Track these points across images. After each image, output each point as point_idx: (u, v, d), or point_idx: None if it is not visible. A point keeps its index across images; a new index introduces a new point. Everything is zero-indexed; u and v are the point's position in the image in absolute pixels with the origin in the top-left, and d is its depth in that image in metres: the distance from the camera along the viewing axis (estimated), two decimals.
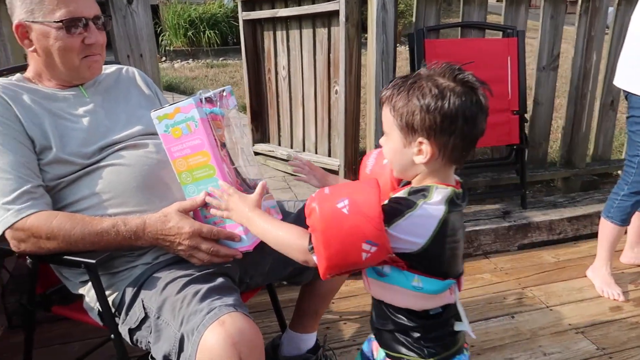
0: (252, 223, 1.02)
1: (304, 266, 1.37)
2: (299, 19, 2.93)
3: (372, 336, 1.09)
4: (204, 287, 1.06)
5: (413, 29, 2.53)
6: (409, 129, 0.88)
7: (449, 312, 0.97)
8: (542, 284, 2.16)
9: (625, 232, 2.29)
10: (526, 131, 2.67)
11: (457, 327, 0.97)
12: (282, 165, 3.15)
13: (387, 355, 1.00)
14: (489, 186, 2.79)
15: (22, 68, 1.35)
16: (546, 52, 2.79)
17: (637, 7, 1.93)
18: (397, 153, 0.92)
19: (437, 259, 0.89)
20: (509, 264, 2.34)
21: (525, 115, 2.63)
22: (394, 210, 0.85)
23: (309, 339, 1.55)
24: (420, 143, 0.88)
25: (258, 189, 1.09)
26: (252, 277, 1.33)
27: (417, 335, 0.95)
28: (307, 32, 2.89)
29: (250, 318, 1.03)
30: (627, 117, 1.99)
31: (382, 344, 1.02)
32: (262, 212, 1.03)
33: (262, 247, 1.27)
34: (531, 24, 2.85)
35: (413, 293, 0.91)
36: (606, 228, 2.08)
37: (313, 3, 2.77)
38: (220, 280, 1.12)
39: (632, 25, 1.96)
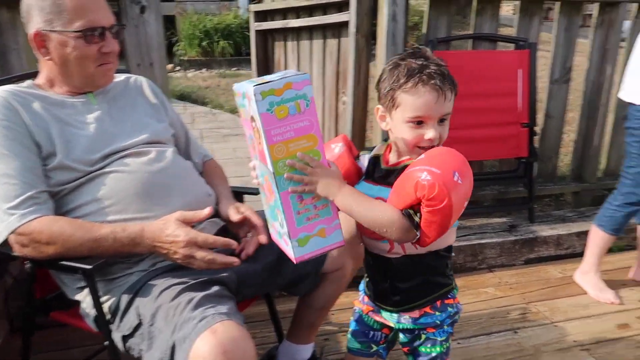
0: (342, 196, 0.99)
1: (301, 277, 1.39)
2: (310, 30, 2.96)
3: (375, 317, 1.22)
4: (199, 295, 1.07)
5: (423, 40, 2.54)
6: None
7: None
8: (547, 299, 2.13)
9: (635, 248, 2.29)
10: (536, 144, 2.65)
11: None
12: None
13: (410, 309, 1.13)
14: (496, 199, 2.77)
15: (33, 75, 1.39)
16: (559, 64, 2.76)
17: None
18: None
19: None
20: (514, 278, 2.31)
21: (536, 128, 2.61)
22: None
23: (305, 350, 1.54)
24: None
25: (333, 166, 1.04)
26: (249, 286, 1.33)
27: (448, 266, 1.14)
28: (318, 43, 2.92)
29: (244, 327, 1.04)
30: (625, 128, 2.00)
31: (406, 302, 1.13)
32: (351, 187, 1.02)
33: (257, 257, 1.28)
34: (547, 37, 2.83)
35: (454, 229, 1.08)
36: (597, 236, 2.12)
37: (324, 14, 2.80)
38: (215, 288, 1.13)
39: (638, 39, 1.99)
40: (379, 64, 2.43)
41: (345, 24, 2.59)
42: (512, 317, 2.00)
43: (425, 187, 0.90)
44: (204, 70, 7.72)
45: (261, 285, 1.36)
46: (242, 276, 1.29)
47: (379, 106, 1.05)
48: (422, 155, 0.98)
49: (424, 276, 1.11)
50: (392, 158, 1.09)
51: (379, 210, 0.97)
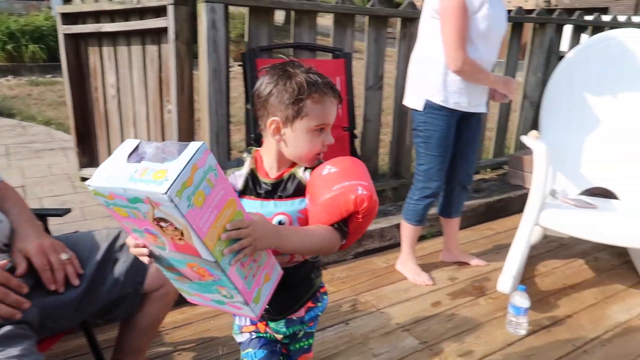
0: (285, 239, 0.95)
1: (118, 300, 1.29)
2: (127, 35, 2.78)
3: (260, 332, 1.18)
4: None
5: (246, 48, 2.56)
6: None
7: None
8: (374, 288, 2.31)
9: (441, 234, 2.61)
10: (358, 146, 2.85)
11: None
12: None
13: (297, 309, 1.15)
14: None
15: None
16: (372, 73, 3.02)
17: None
18: None
19: None
20: (345, 272, 2.46)
21: (356, 131, 2.82)
22: None
23: None
24: None
25: (254, 216, 0.94)
26: (57, 319, 1.19)
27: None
28: (137, 49, 2.75)
29: None
30: (412, 131, 2.29)
31: (295, 304, 1.14)
32: (284, 227, 1.01)
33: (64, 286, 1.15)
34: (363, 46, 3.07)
35: None
36: (406, 228, 2.40)
37: (141, 19, 2.65)
38: (7, 329, 0.98)
39: (413, 52, 2.30)
40: (202, 72, 2.38)
41: (164, 30, 2.50)
42: (343, 310, 2.12)
43: (365, 200, 0.98)
44: (10, 77, 6.78)
45: (72, 315, 1.23)
46: (46, 309, 1.15)
47: (275, 118, 1.02)
48: (332, 168, 1.02)
49: (312, 273, 1.16)
50: (272, 170, 1.08)
51: (317, 235, 0.99)
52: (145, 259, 0.90)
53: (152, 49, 2.68)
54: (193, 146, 0.80)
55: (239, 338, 1.20)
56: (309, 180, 1.04)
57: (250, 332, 1.18)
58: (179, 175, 0.75)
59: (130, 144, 0.84)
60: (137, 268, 1.28)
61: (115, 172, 0.80)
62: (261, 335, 1.18)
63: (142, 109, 2.78)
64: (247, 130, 2.67)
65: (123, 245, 1.29)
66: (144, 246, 0.89)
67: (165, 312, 1.42)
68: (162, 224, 0.80)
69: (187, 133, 2.57)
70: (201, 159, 0.80)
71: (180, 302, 2.12)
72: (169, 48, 2.46)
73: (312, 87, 1.00)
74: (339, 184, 0.99)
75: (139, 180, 0.76)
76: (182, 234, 0.80)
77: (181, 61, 2.47)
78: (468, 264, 2.57)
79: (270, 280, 0.98)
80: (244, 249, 0.86)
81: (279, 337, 1.18)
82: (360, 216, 1.00)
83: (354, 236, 1.05)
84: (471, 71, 2.07)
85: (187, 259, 0.87)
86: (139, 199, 0.77)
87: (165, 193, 0.73)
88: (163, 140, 2.72)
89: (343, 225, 1.01)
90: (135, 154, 0.83)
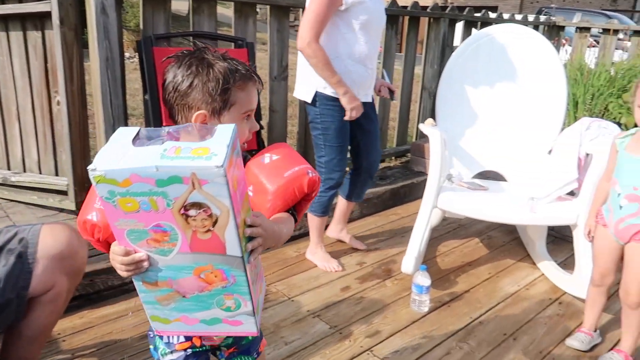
0: (279, 237, 0.96)
1: None
2: (4, 20, 2.52)
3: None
4: None
5: (142, 36, 2.43)
6: None
7: None
8: (285, 278, 2.32)
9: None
10: (265, 137, 2.83)
11: None
12: None
13: None
14: None
15: None
16: (276, 63, 3.01)
17: None
18: None
19: None
20: None
21: (262, 122, 2.79)
22: None
23: None
24: None
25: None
26: None
27: None
28: (16, 35, 2.50)
29: None
30: (309, 123, 2.33)
31: None
32: (273, 222, 0.96)
33: None
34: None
35: None
36: (313, 220, 2.43)
37: (20, 2, 2.42)
38: None
39: None
40: (93, 61, 2.23)
41: (48, 15, 2.29)
42: None
43: (316, 181, 1.03)
44: None
45: None
46: None
47: (202, 112, 0.94)
48: (274, 156, 1.02)
49: None
50: None
51: (284, 225, 0.99)
52: (127, 273, 0.81)
53: (34, 35, 2.45)
54: (226, 128, 0.74)
55: (169, 357, 1.07)
56: (246, 171, 1.01)
57: (184, 350, 1.07)
58: (227, 151, 0.69)
59: (127, 131, 0.75)
60: (20, 271, 1.16)
61: (131, 155, 0.69)
62: (197, 349, 1.07)
63: (27, 100, 2.54)
64: (146, 123, 2.54)
65: (2, 247, 1.17)
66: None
67: (56, 316, 1.31)
68: (192, 212, 0.71)
69: (79, 125, 2.39)
70: (235, 141, 0.74)
71: (80, 305, 1.99)
72: (54, 34, 2.27)
73: (237, 74, 0.96)
74: (289, 170, 1.00)
75: (177, 158, 0.68)
76: (214, 223, 0.73)
77: (69, 48, 2.28)
78: (346, 242, 2.66)
79: (262, 293, 0.93)
80: (259, 247, 0.85)
81: (218, 341, 1.08)
82: (311, 197, 1.04)
83: (301, 215, 1.08)
84: (314, 56, 2.05)
85: (201, 260, 0.77)
86: (176, 178, 0.68)
87: (221, 166, 0.67)
88: (53, 132, 2.51)
89: (293, 210, 1.04)
90: (139, 140, 0.74)
